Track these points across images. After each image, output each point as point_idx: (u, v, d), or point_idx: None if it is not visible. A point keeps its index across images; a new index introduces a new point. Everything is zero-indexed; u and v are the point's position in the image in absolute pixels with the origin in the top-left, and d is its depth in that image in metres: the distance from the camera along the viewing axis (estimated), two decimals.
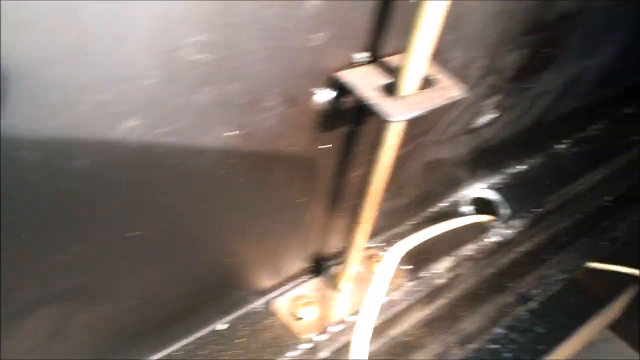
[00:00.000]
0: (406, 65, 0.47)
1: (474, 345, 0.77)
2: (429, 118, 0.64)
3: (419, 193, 0.73)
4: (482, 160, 0.79)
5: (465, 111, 0.68)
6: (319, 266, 0.67)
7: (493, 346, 1.00)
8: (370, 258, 0.69)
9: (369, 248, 0.70)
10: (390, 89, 0.48)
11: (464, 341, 0.72)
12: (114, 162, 0.39)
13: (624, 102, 1.01)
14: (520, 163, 0.86)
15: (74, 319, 0.46)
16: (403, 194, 0.70)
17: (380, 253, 0.71)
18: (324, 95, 0.50)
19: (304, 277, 0.66)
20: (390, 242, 0.72)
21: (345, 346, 0.63)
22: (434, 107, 0.48)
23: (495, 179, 0.83)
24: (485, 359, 0.97)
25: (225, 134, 0.45)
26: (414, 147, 0.65)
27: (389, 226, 0.72)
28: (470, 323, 0.74)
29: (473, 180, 0.80)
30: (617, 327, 1.19)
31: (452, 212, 0.77)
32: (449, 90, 0.49)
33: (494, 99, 0.70)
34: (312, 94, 0.49)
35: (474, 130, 0.72)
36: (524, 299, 0.79)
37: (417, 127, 0.63)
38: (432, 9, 0.44)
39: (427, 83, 0.49)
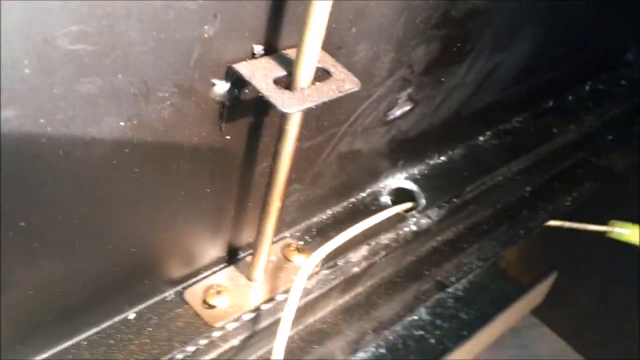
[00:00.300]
0: (300, 57, 0.48)
1: (392, 331, 0.79)
2: (340, 110, 0.65)
3: (336, 183, 0.74)
4: (401, 152, 0.81)
5: (378, 103, 0.69)
6: (233, 255, 0.67)
7: (418, 332, 1.03)
8: (288, 247, 0.70)
9: (284, 237, 0.72)
10: (285, 81, 0.50)
11: (380, 327, 0.74)
12: None
13: (545, 96, 1.04)
14: (440, 154, 0.88)
15: None
16: (319, 185, 0.71)
17: (300, 242, 0.72)
18: (223, 87, 0.50)
19: (217, 266, 0.66)
20: (307, 232, 0.73)
21: (257, 334, 0.64)
22: (327, 99, 0.49)
23: (415, 170, 0.85)
24: (411, 345, 1.01)
25: (116, 125, 0.45)
26: (327, 138, 0.67)
27: (306, 216, 0.74)
28: (386, 310, 0.76)
29: (393, 171, 0.82)
30: (540, 313, 1.24)
31: (371, 203, 0.79)
32: (344, 83, 0.50)
33: (407, 92, 0.71)
34: (211, 85, 0.50)
35: (390, 122, 0.74)
36: (441, 286, 0.81)
37: (328, 119, 0.65)
38: (321, 1, 0.45)
39: (322, 76, 0.50)
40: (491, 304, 1.09)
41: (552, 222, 0.92)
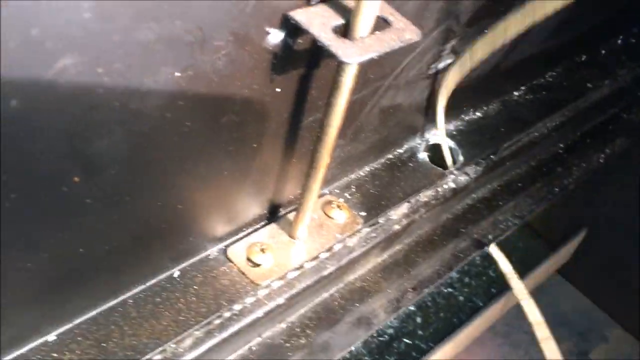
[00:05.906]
0: (360, 5, 0.45)
1: (428, 290, 0.78)
2: (386, 62, 0.63)
3: (376, 139, 0.72)
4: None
5: (423, 56, 0.67)
6: (276, 212, 0.66)
7: (447, 290, 1.03)
8: (329, 204, 0.69)
9: (325, 194, 0.70)
10: (344, 30, 0.47)
11: (420, 286, 0.73)
12: (49, 102, 0.36)
13: (579, 50, 1.01)
14: (476, 109, 0.86)
15: (14, 267, 0.45)
16: (359, 140, 0.69)
17: (340, 200, 0.70)
18: (277, 36, 0.48)
19: (259, 223, 0.65)
20: (346, 188, 0.72)
21: (301, 292, 0.63)
22: (389, 49, 0.47)
23: (451, 126, 0.82)
24: (440, 302, 1.00)
25: (171, 75, 0.43)
26: (371, 92, 0.64)
27: (345, 172, 0.72)
28: (425, 268, 0.75)
29: (429, 127, 0.80)
30: (566, 271, 1.23)
31: (408, 159, 0.77)
32: (404, 33, 0.48)
33: (451, 44, 0.69)
34: (266, 34, 0.47)
35: (432, 75, 0.71)
36: (479, 244, 0.80)
37: (374, 72, 0.62)
38: None
39: (381, 25, 0.48)
40: (520, 262, 1.08)
41: None
